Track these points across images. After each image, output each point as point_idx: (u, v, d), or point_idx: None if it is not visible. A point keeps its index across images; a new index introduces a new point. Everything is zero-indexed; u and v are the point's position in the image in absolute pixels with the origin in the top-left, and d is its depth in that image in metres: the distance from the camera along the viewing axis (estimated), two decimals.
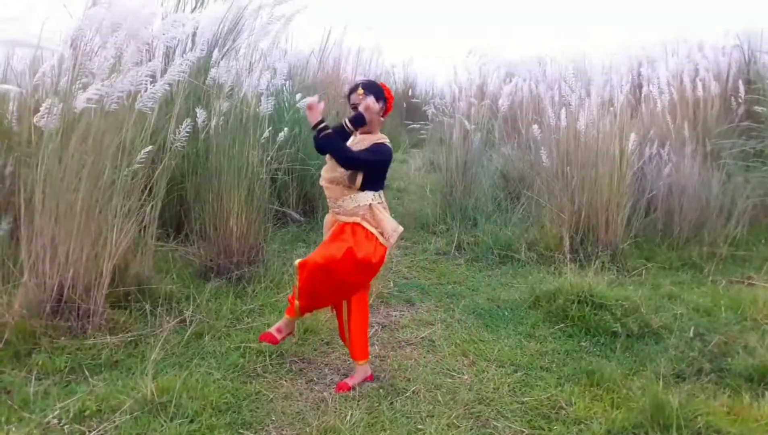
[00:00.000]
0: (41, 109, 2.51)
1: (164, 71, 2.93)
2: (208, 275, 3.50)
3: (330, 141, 2.35)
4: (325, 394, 2.41)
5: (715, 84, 5.60)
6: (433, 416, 2.26)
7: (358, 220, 2.42)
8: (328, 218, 2.57)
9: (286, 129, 4.02)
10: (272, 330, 2.60)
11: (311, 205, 4.95)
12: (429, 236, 4.78)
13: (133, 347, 2.68)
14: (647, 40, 7.23)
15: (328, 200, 2.52)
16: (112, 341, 2.66)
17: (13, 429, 2.02)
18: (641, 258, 4.19)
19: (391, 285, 3.70)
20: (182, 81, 3.39)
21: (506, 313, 3.33)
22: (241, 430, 2.15)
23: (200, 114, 3.45)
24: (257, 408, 2.30)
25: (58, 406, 2.16)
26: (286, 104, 4.76)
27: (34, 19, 2.74)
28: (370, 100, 2.38)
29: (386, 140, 2.48)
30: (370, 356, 2.60)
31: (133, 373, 2.42)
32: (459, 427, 2.20)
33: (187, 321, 2.93)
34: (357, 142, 2.47)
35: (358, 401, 2.35)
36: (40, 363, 2.44)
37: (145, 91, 2.76)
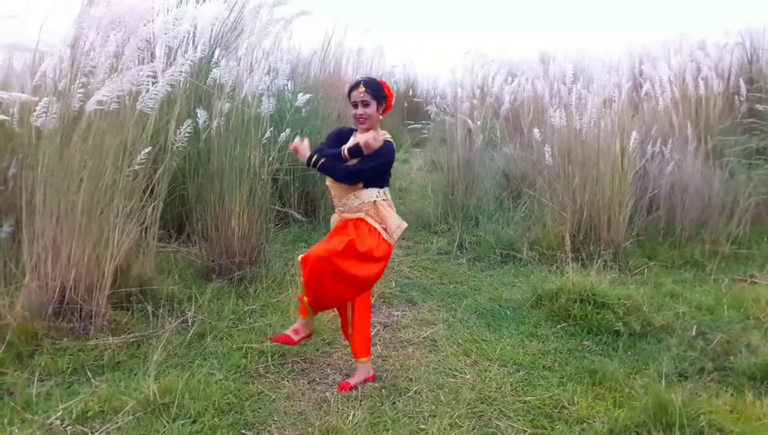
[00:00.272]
0: (38, 108, 2.50)
1: (165, 71, 2.93)
2: (209, 276, 3.50)
3: (326, 168, 2.46)
4: (327, 394, 2.41)
5: (718, 82, 5.59)
6: (435, 416, 2.26)
7: (362, 215, 2.46)
8: (334, 217, 2.59)
9: (287, 130, 4.02)
10: (289, 332, 2.59)
11: (313, 205, 4.95)
12: (431, 236, 4.78)
13: (136, 348, 2.68)
14: (648, 38, 7.24)
15: (333, 199, 2.54)
16: (114, 342, 2.67)
17: (16, 430, 2.03)
18: (643, 257, 4.18)
19: (393, 285, 3.70)
20: (183, 81, 3.39)
21: (508, 313, 3.33)
22: (243, 431, 2.15)
23: (201, 114, 3.45)
24: (259, 408, 2.30)
25: (60, 407, 2.17)
26: (288, 105, 4.76)
27: (33, 17, 2.74)
28: (371, 138, 2.37)
29: (388, 137, 2.50)
30: (372, 356, 2.61)
31: (135, 374, 2.43)
32: (461, 426, 2.20)
33: (189, 322, 2.93)
34: (359, 138, 2.48)
35: (361, 401, 2.35)
36: (42, 364, 2.44)
37: (146, 91, 2.76)
